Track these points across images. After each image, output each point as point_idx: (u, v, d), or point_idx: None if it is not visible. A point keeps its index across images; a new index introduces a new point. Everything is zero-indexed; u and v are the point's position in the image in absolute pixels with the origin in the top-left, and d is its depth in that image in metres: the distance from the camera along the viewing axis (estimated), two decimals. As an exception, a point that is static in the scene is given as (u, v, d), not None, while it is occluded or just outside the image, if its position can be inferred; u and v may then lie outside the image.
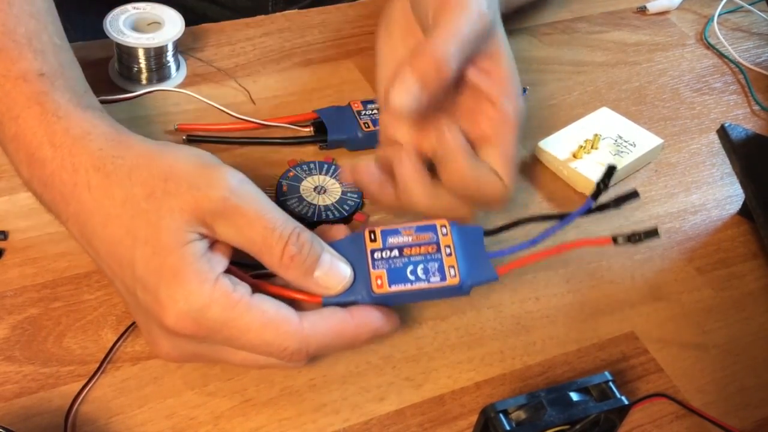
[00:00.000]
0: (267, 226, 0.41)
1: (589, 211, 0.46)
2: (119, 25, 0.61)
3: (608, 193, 0.46)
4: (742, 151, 0.57)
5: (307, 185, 0.55)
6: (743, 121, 0.69)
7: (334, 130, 0.59)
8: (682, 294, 0.54)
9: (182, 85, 0.63)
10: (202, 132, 0.59)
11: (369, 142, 0.59)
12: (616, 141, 0.62)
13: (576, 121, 0.63)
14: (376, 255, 0.44)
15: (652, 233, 0.44)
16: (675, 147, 0.65)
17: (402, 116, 0.45)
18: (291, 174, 0.56)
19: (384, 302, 0.44)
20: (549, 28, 0.75)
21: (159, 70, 0.62)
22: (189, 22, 0.64)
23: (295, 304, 0.42)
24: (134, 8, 0.63)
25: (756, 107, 0.71)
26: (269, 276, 0.44)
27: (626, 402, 0.42)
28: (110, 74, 0.63)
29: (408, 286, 0.44)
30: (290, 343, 0.40)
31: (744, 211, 0.60)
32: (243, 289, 0.41)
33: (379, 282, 0.44)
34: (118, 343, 0.46)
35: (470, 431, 0.45)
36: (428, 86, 0.44)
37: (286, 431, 0.44)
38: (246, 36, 0.68)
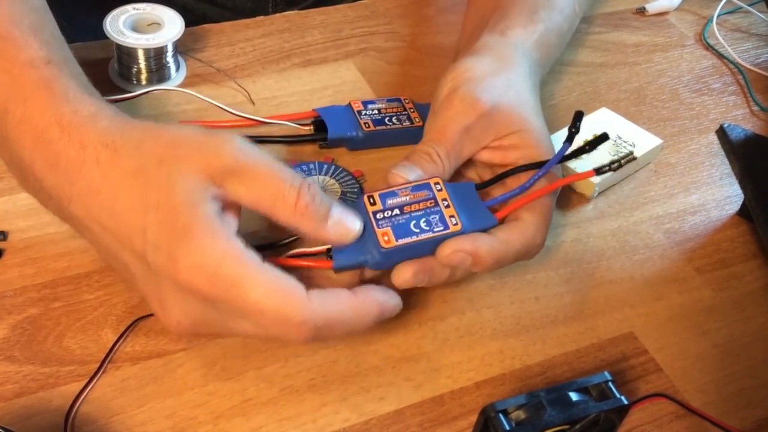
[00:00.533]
0: (278, 180, 0.41)
1: (565, 158, 0.50)
2: (119, 26, 0.61)
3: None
4: (741, 152, 0.57)
5: (307, 185, 0.55)
6: (742, 121, 0.69)
7: (335, 129, 0.59)
8: (682, 294, 0.54)
9: (182, 86, 0.63)
10: (202, 132, 0.59)
11: (369, 142, 0.60)
12: (615, 141, 0.62)
13: (575, 121, 0.63)
14: (379, 216, 0.46)
15: (630, 158, 0.48)
16: (674, 147, 0.65)
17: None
18: (291, 174, 0.56)
19: (395, 257, 0.45)
20: (548, 28, 0.75)
21: (159, 70, 0.62)
22: (189, 23, 0.64)
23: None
24: (134, 9, 0.63)
25: (755, 108, 0.71)
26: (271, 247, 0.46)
27: (626, 402, 0.42)
28: (110, 75, 0.63)
29: (414, 238, 0.45)
30: (296, 314, 0.40)
31: (743, 212, 0.60)
32: (254, 253, 0.41)
33: (386, 238, 0.45)
34: (118, 343, 0.46)
35: (470, 431, 0.45)
36: (428, 173, 0.49)
37: (286, 431, 0.44)
38: (246, 37, 0.68)
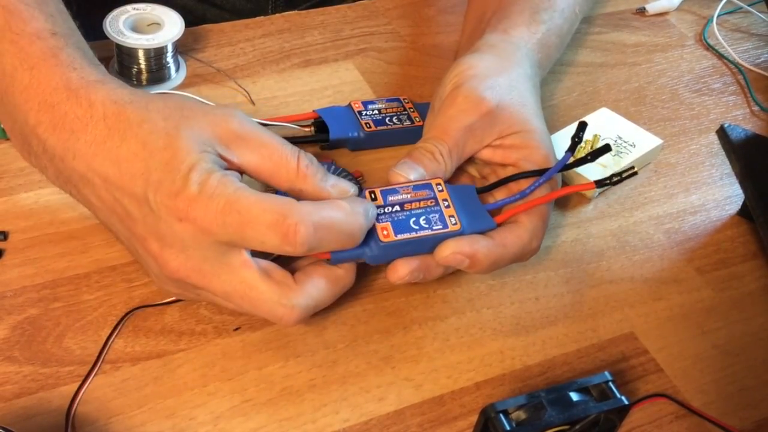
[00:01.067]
0: (280, 146, 0.44)
1: (567, 167, 0.51)
2: (119, 26, 0.61)
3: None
4: (741, 152, 0.57)
5: (307, 186, 0.55)
6: (742, 121, 0.69)
7: (336, 130, 0.59)
8: (682, 294, 0.54)
9: (182, 86, 0.63)
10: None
11: (370, 142, 0.60)
12: (615, 141, 0.62)
13: (575, 121, 0.63)
14: (379, 210, 0.46)
15: (631, 173, 0.48)
16: (674, 147, 0.65)
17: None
18: (291, 174, 0.56)
19: (393, 252, 0.46)
20: (548, 29, 0.75)
21: (159, 71, 0.62)
22: (188, 24, 0.64)
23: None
24: (134, 9, 0.63)
25: (755, 108, 0.71)
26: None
27: (626, 402, 0.42)
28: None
29: (413, 235, 0.46)
30: (292, 212, 0.41)
31: (743, 212, 0.60)
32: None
33: (385, 233, 0.46)
34: (113, 336, 0.46)
35: (470, 431, 0.45)
36: (430, 172, 0.49)
37: (286, 431, 0.44)
38: (246, 37, 0.68)
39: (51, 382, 0.44)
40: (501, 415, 0.41)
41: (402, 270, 0.46)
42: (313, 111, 0.60)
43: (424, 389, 0.47)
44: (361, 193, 0.47)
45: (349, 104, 0.61)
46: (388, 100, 0.62)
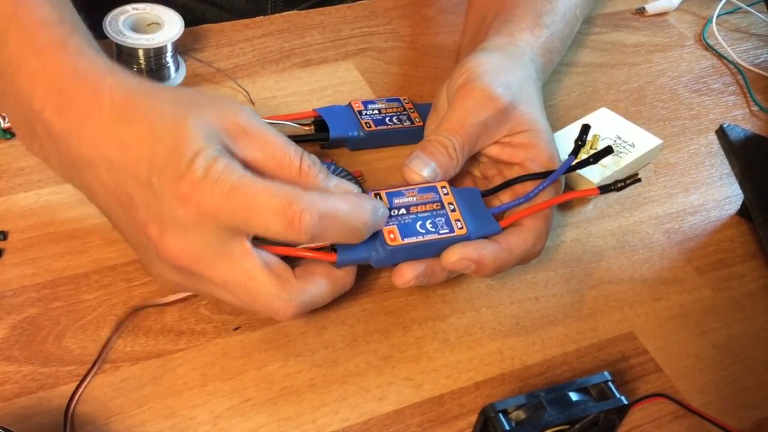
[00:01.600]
0: (284, 145, 0.44)
1: (570, 170, 0.51)
2: (119, 26, 0.61)
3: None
4: (741, 152, 0.57)
5: (307, 185, 0.55)
6: (742, 121, 0.69)
7: (336, 128, 0.59)
8: (682, 294, 0.54)
9: (181, 86, 0.63)
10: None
11: (370, 141, 0.60)
12: (615, 141, 0.62)
13: (575, 121, 0.63)
14: None
15: (635, 179, 0.48)
16: (674, 147, 0.65)
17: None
18: (290, 174, 0.56)
19: (399, 255, 0.46)
20: (548, 29, 0.75)
21: (158, 70, 0.62)
22: (188, 24, 0.64)
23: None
24: (134, 9, 0.63)
25: (755, 108, 0.71)
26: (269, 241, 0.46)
27: (626, 402, 0.42)
28: (110, 75, 0.63)
29: (420, 239, 0.46)
30: (298, 200, 0.40)
31: (743, 212, 0.60)
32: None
33: (392, 236, 0.45)
34: (113, 337, 0.46)
35: (470, 431, 0.45)
36: (442, 168, 0.49)
37: (286, 431, 0.44)
38: (245, 37, 0.68)
39: (51, 382, 0.44)
40: (500, 415, 0.41)
41: (408, 274, 0.46)
42: (314, 110, 0.60)
43: (423, 389, 0.47)
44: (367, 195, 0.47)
45: (350, 104, 0.61)
46: (388, 100, 0.62)
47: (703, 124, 0.68)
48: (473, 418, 0.44)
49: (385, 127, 0.60)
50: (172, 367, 0.46)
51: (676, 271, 0.56)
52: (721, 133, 0.59)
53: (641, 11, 0.79)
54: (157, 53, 0.61)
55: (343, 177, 0.56)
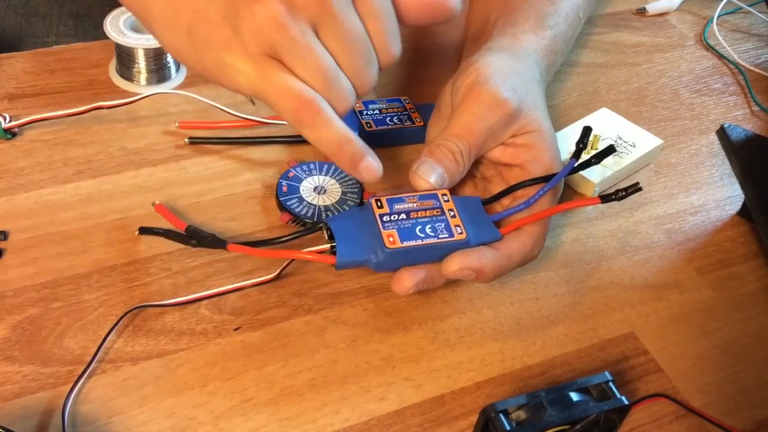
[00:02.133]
0: None
1: (572, 171, 0.51)
2: (119, 26, 0.61)
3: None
4: (741, 152, 0.57)
5: (307, 185, 0.55)
6: (743, 121, 0.69)
7: (335, 129, 0.58)
8: (683, 294, 0.54)
9: (182, 86, 0.63)
10: (203, 129, 0.59)
11: (371, 142, 0.59)
12: (616, 142, 0.62)
13: (576, 121, 0.63)
14: (385, 218, 0.46)
15: (636, 189, 0.48)
16: (675, 148, 0.65)
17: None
18: (291, 174, 0.56)
19: (398, 259, 0.46)
20: (549, 29, 0.75)
21: (159, 70, 0.62)
22: (189, 22, 0.63)
23: None
24: (134, 9, 0.63)
25: (755, 108, 0.71)
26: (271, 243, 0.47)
27: (626, 402, 0.42)
28: (110, 75, 0.63)
29: (419, 242, 0.46)
30: None
31: (744, 212, 0.60)
32: None
33: (391, 239, 0.46)
34: (110, 335, 0.46)
35: (470, 431, 0.45)
36: (449, 174, 0.49)
37: (286, 431, 0.44)
38: (246, 37, 0.68)
39: (51, 382, 0.44)
40: (501, 415, 0.41)
41: (408, 282, 0.46)
42: (314, 111, 0.60)
43: (424, 389, 0.47)
44: (367, 201, 0.47)
45: (350, 104, 0.61)
46: (388, 101, 0.62)
47: (704, 124, 0.68)
48: (474, 418, 0.44)
49: (385, 127, 0.60)
50: (173, 367, 0.46)
51: (677, 271, 0.56)
52: (722, 133, 0.59)
53: (642, 11, 0.79)
54: (158, 53, 0.61)
55: (343, 177, 0.56)
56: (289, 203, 0.54)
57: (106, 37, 0.60)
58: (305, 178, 0.56)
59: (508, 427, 0.40)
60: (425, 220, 0.47)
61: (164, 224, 0.51)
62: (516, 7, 0.60)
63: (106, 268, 0.50)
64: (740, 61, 0.74)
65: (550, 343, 0.50)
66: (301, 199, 0.54)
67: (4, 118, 0.56)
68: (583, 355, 0.50)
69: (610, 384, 0.42)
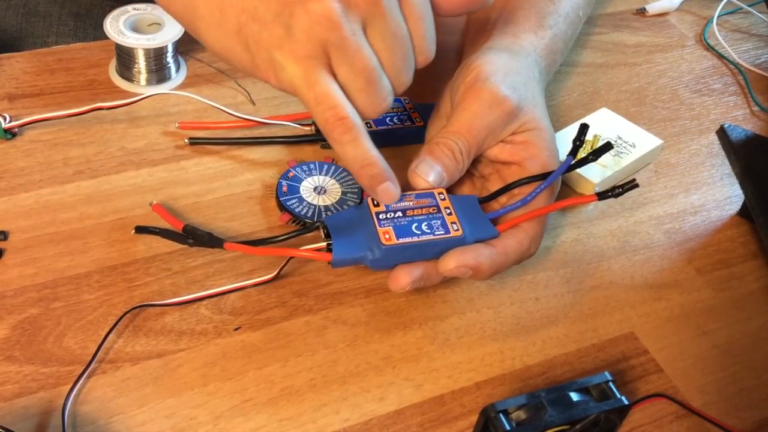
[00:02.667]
0: None
1: (569, 169, 0.51)
2: (119, 26, 0.61)
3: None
4: (741, 152, 0.57)
5: (307, 185, 0.55)
6: (743, 122, 0.69)
7: (335, 130, 0.58)
8: (682, 294, 0.54)
9: (182, 86, 0.63)
10: (203, 129, 0.59)
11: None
12: (615, 142, 0.62)
13: (576, 121, 0.63)
14: (381, 216, 0.47)
15: (632, 185, 0.48)
16: (675, 148, 0.65)
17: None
18: (291, 174, 0.56)
19: (394, 256, 0.46)
20: (549, 29, 0.75)
21: (159, 71, 0.62)
22: (189, 22, 0.64)
23: None
24: (134, 9, 0.63)
25: (755, 108, 0.71)
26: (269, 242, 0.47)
27: (626, 402, 0.42)
28: (110, 75, 0.63)
29: (415, 239, 0.46)
30: None
31: (744, 212, 0.60)
32: None
33: (387, 236, 0.46)
34: (110, 335, 0.46)
35: (470, 431, 0.45)
36: (448, 172, 0.50)
37: (286, 431, 0.44)
38: (246, 37, 0.68)
39: (51, 382, 0.44)
40: (501, 415, 0.41)
41: (404, 279, 0.46)
42: (314, 111, 0.60)
43: (424, 389, 0.47)
44: (364, 201, 0.47)
45: (350, 104, 0.61)
46: (388, 101, 0.62)
47: (704, 124, 0.68)
48: (474, 418, 0.44)
49: (385, 127, 0.60)
50: (173, 367, 0.46)
51: (677, 271, 0.56)
52: (722, 133, 0.59)
53: (642, 12, 0.79)
54: (158, 53, 0.61)
55: (343, 177, 0.56)
56: (289, 203, 0.54)
57: (106, 37, 0.60)
58: (305, 178, 0.56)
59: (508, 427, 0.40)
60: (421, 217, 0.47)
61: (163, 224, 0.51)
62: (516, 7, 0.60)
63: (106, 268, 0.50)
64: (740, 61, 0.74)
65: (550, 343, 0.50)
66: (301, 199, 0.54)
67: (4, 118, 0.56)
68: (583, 355, 0.50)
69: (610, 384, 0.42)
